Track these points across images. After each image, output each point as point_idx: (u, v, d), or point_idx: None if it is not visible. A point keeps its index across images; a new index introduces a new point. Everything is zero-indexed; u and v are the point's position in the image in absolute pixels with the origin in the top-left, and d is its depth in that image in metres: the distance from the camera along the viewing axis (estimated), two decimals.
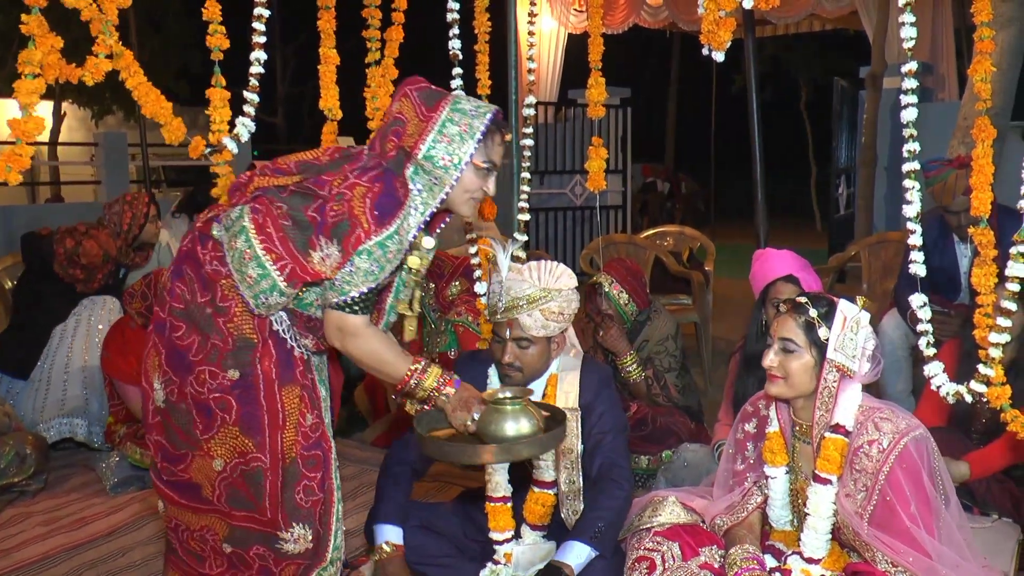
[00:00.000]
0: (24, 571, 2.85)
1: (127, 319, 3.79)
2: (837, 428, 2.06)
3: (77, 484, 3.62)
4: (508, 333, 2.38)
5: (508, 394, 2.05)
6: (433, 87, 2.08)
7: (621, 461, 2.42)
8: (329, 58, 3.44)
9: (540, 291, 2.34)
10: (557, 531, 2.52)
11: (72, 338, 4.01)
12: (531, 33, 3.73)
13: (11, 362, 4.01)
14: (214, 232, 2.01)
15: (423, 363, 2.06)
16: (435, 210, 2.04)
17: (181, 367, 1.98)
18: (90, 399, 3.94)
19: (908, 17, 2.49)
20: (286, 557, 2.03)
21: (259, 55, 3.02)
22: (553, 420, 2.10)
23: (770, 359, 2.11)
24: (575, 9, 9.60)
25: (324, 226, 1.89)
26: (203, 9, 2.92)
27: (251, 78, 3.02)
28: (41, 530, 3.15)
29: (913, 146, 2.54)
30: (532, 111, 3.69)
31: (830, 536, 2.11)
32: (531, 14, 3.75)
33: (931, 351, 2.58)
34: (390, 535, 2.40)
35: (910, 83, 2.52)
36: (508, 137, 2.17)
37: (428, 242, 2.11)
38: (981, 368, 2.42)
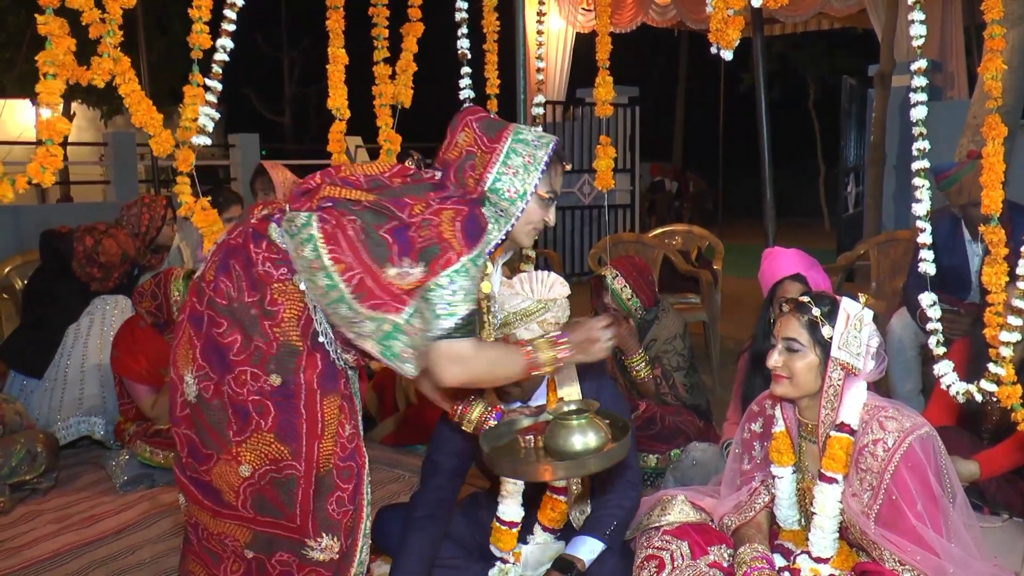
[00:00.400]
0: (34, 568, 2.87)
1: (137, 318, 3.80)
2: (842, 427, 2.05)
3: (87, 482, 3.63)
4: None
5: (573, 406, 2.01)
6: (492, 116, 2.05)
7: (631, 461, 2.42)
8: (338, 57, 3.45)
9: (535, 304, 2.32)
10: (566, 531, 2.52)
11: (87, 337, 4.03)
12: (540, 32, 3.73)
13: (24, 361, 4.03)
14: (271, 233, 1.94)
15: (528, 344, 2.02)
16: (499, 242, 2.00)
17: (219, 364, 1.91)
18: (107, 397, 3.96)
19: (917, 15, 2.49)
20: (310, 564, 1.99)
21: (225, 43, 2.94)
22: (618, 430, 2.04)
23: (775, 359, 2.10)
24: (583, 8, 9.60)
25: (410, 249, 1.83)
26: (190, 9, 2.90)
27: (214, 65, 2.95)
28: (51, 528, 3.17)
29: (923, 144, 2.54)
30: (541, 110, 3.69)
31: (838, 535, 2.11)
32: (539, 13, 3.75)
33: (941, 350, 2.58)
34: None
35: (920, 81, 2.52)
36: (568, 167, 2.14)
37: (493, 272, 2.12)
38: (991, 367, 2.41)
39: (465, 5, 3.44)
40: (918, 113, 2.53)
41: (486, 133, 1.97)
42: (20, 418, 3.58)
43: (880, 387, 3.70)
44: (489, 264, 2.10)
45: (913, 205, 2.56)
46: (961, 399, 2.52)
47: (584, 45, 9.45)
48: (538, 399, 2.41)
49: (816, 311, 2.07)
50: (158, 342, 3.74)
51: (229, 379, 1.90)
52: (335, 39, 3.44)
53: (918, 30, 2.49)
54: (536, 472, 2.02)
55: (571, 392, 2.45)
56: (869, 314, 2.07)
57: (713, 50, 2.97)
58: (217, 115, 2.99)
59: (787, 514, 2.24)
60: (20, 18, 10.49)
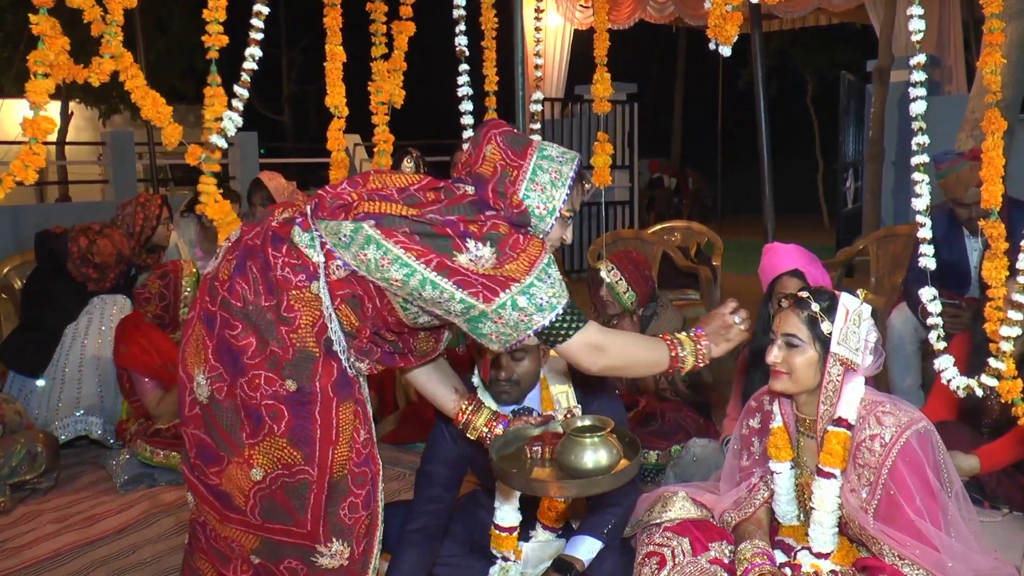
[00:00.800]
0: (35, 568, 2.87)
1: (139, 314, 3.81)
2: (840, 421, 2.05)
3: (88, 482, 3.64)
4: None
5: (587, 422, 1.99)
6: (515, 131, 2.02)
7: None
8: (336, 55, 3.44)
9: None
10: (566, 529, 2.52)
11: (85, 336, 4.03)
12: (537, 29, 3.73)
13: (23, 361, 4.02)
14: (294, 237, 1.90)
15: (671, 338, 2.00)
16: None
17: (233, 367, 1.88)
18: (104, 397, 3.96)
19: (916, 9, 2.48)
20: (320, 571, 1.97)
21: (254, 51, 2.96)
22: (630, 450, 2.02)
23: (774, 355, 2.10)
24: (581, 5, 9.60)
25: (472, 235, 1.81)
26: (204, 10, 2.89)
27: (243, 73, 2.97)
28: (52, 527, 3.17)
29: (922, 139, 2.53)
30: (539, 107, 3.69)
31: (837, 530, 2.11)
32: (537, 10, 3.75)
33: (941, 345, 2.57)
34: None
35: (918, 76, 2.51)
36: (588, 186, 2.13)
37: None
38: (992, 362, 2.41)
39: (463, 2, 3.43)
40: (917, 108, 2.52)
41: (511, 147, 1.94)
42: (20, 418, 3.58)
43: (880, 382, 3.70)
44: None
45: (912, 200, 2.56)
46: (961, 394, 2.52)
47: (582, 42, 9.45)
48: (531, 400, 2.41)
49: (815, 306, 2.07)
50: (165, 338, 3.76)
51: (242, 382, 1.87)
52: (333, 37, 3.44)
53: (917, 25, 2.49)
54: (545, 489, 2.00)
55: (562, 390, 2.44)
56: (868, 309, 2.07)
57: (711, 46, 2.97)
58: (241, 121, 2.99)
59: (786, 510, 2.24)
60: (18, 17, 10.49)
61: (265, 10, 2.99)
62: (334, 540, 1.96)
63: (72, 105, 13.41)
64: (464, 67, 3.49)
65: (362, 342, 1.95)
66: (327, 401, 1.90)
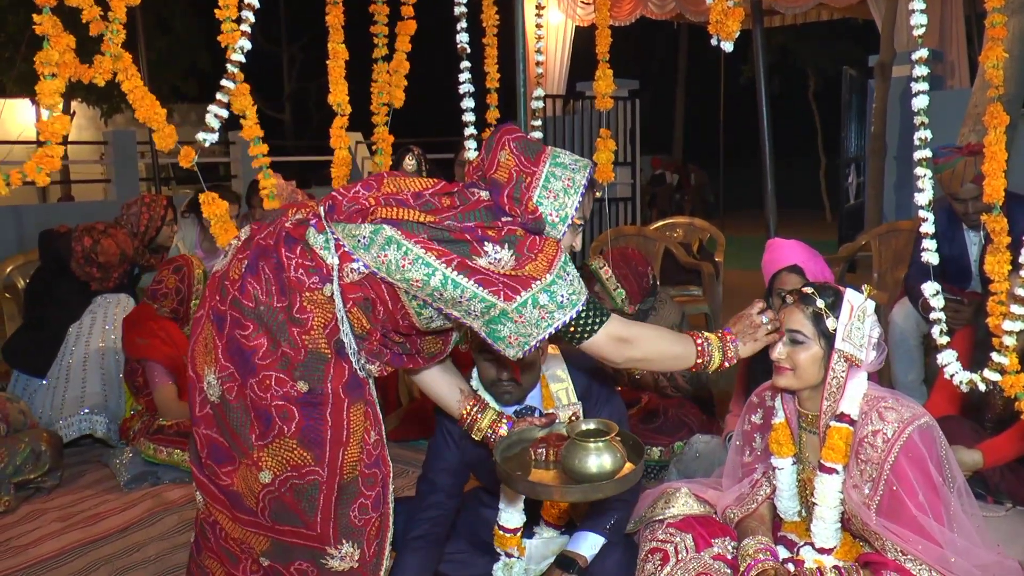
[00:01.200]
0: (40, 567, 2.88)
1: (149, 307, 3.81)
2: (842, 417, 2.05)
3: (91, 480, 3.64)
4: None
5: (592, 425, 2.00)
6: (528, 136, 2.03)
7: None
8: (338, 53, 3.44)
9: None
10: (569, 525, 2.52)
11: (89, 335, 4.03)
12: (539, 26, 3.72)
13: (26, 360, 4.04)
14: (309, 238, 1.89)
15: (699, 337, 2.01)
16: None
17: (244, 367, 1.88)
18: (108, 395, 3.97)
19: (918, 4, 2.48)
20: (330, 573, 1.97)
21: (243, 43, 2.92)
22: (634, 453, 2.02)
23: (778, 351, 2.10)
24: (582, 2, 9.59)
25: (490, 239, 1.82)
26: (216, 10, 2.88)
27: (229, 65, 2.95)
28: (56, 526, 3.18)
29: (924, 133, 2.53)
30: (540, 104, 3.68)
31: (839, 526, 2.11)
32: (539, 7, 3.74)
33: (944, 339, 2.57)
34: None
35: (920, 70, 2.51)
36: (599, 194, 2.13)
37: None
38: (995, 356, 2.41)
39: None
40: (919, 103, 2.52)
41: (524, 153, 1.94)
42: (24, 417, 3.59)
43: (882, 378, 3.70)
44: None
45: (915, 195, 2.56)
46: (964, 388, 2.52)
47: (583, 38, 9.45)
48: (531, 399, 2.41)
49: (820, 303, 2.06)
50: (179, 331, 3.78)
51: (252, 382, 1.87)
52: (335, 35, 3.44)
53: (918, 19, 2.48)
54: (549, 493, 2.01)
55: (561, 388, 2.44)
56: (871, 305, 2.07)
57: (713, 42, 2.96)
58: (226, 114, 2.96)
59: (788, 505, 2.24)
60: (20, 17, 10.49)
61: (255, 2, 2.96)
62: (344, 542, 1.96)
63: (74, 104, 13.43)
64: (465, 64, 3.49)
65: (372, 344, 1.95)
66: (338, 402, 1.90)
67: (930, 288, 2.57)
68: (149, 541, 3.05)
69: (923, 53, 2.50)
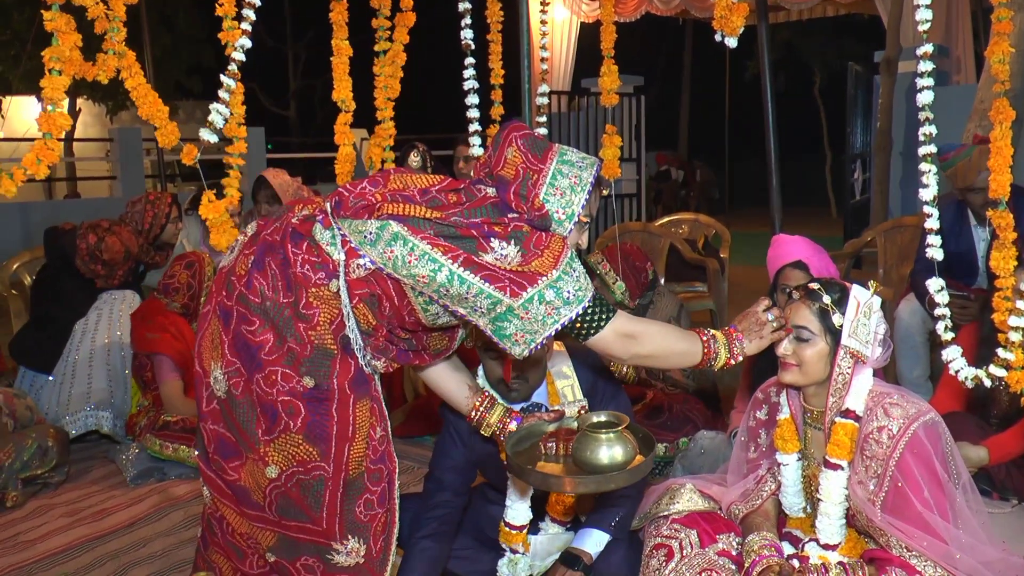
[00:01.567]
0: (47, 561, 2.89)
1: (158, 302, 3.82)
2: (847, 413, 2.05)
3: (98, 476, 3.66)
4: None
5: (603, 418, 1.99)
6: (535, 133, 2.02)
7: None
8: (342, 49, 3.44)
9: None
10: (575, 521, 2.52)
11: (94, 332, 4.05)
12: (543, 22, 3.72)
13: (33, 357, 4.05)
14: (316, 234, 1.90)
15: (705, 334, 2.01)
16: None
17: (250, 362, 1.88)
18: (114, 391, 3.98)
19: None
20: (336, 570, 1.97)
21: (244, 42, 2.92)
22: (644, 446, 2.01)
23: (784, 347, 2.09)
24: None
25: (496, 235, 1.82)
26: (217, 7, 2.89)
27: (231, 63, 2.94)
28: (63, 521, 3.19)
29: (929, 129, 2.52)
30: (545, 100, 3.68)
31: (844, 522, 2.11)
32: (543, 3, 3.74)
33: (949, 335, 2.57)
34: None
35: (926, 66, 2.50)
36: (605, 192, 2.12)
37: None
38: (1000, 352, 2.40)
39: None
40: (924, 98, 2.51)
41: (532, 150, 1.94)
42: (31, 413, 3.60)
43: (888, 374, 3.70)
44: None
45: (920, 190, 2.55)
46: (970, 384, 2.51)
47: (588, 35, 9.43)
48: (537, 396, 2.41)
49: (827, 299, 2.06)
50: (188, 326, 3.79)
51: (258, 378, 1.87)
52: (339, 31, 3.44)
53: (924, 15, 2.48)
54: (560, 485, 2.01)
55: (567, 384, 2.44)
56: (878, 301, 2.06)
57: (718, 38, 2.96)
58: (228, 112, 2.97)
59: (792, 501, 2.23)
60: (25, 15, 10.51)
61: (257, 1, 2.96)
62: (350, 538, 1.96)
63: (80, 101, 13.45)
64: (470, 61, 3.49)
65: (378, 341, 1.95)
66: (344, 398, 1.90)
67: (935, 284, 2.56)
68: (155, 536, 3.06)
69: (928, 48, 2.49)
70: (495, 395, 2.33)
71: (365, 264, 1.86)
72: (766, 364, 2.98)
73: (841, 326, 2.04)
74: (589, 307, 1.85)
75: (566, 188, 1.91)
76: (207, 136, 2.90)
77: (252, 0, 2.96)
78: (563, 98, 9.67)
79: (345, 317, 1.89)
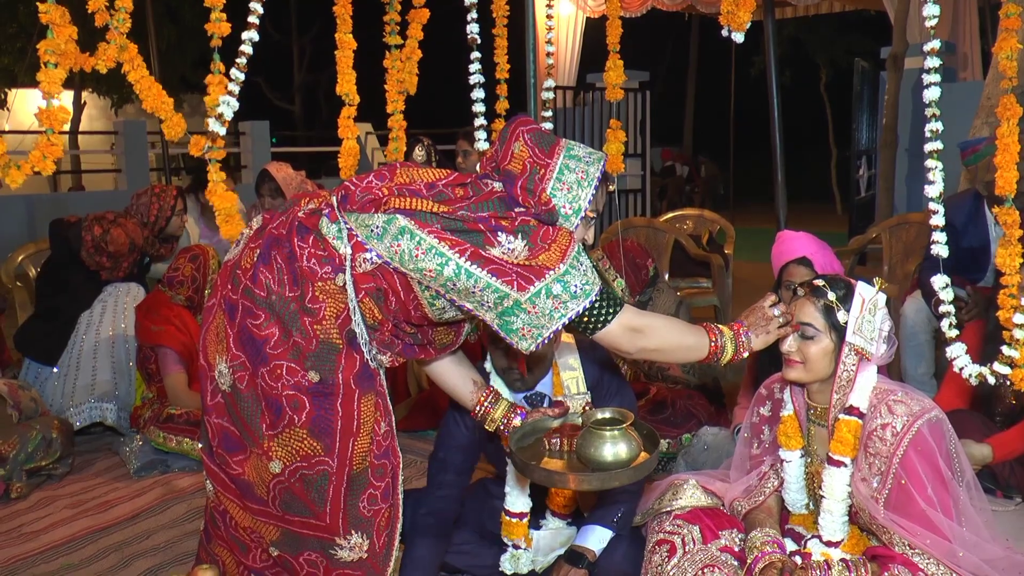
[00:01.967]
0: (50, 553, 2.90)
1: (163, 295, 3.83)
2: (851, 410, 2.04)
3: (102, 468, 3.67)
4: None
5: (607, 414, 1.99)
6: (542, 128, 2.01)
7: None
8: (346, 43, 3.44)
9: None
10: (576, 516, 2.52)
11: (99, 324, 4.05)
12: (549, 17, 3.72)
13: (38, 348, 4.05)
14: (322, 227, 1.89)
15: (712, 329, 2.00)
16: None
17: (255, 356, 1.88)
18: (119, 383, 3.99)
19: None
20: (339, 565, 1.97)
21: (251, 35, 2.90)
22: (649, 442, 2.02)
23: (788, 344, 2.09)
24: None
25: (503, 229, 1.82)
26: None
27: (241, 56, 2.92)
28: (67, 513, 3.20)
29: (936, 125, 2.51)
30: (551, 95, 3.67)
31: (847, 519, 2.10)
32: None
33: (953, 333, 2.56)
34: None
35: (933, 62, 2.49)
36: (612, 187, 2.12)
37: None
38: (1005, 350, 2.40)
39: None
40: (931, 94, 2.50)
41: (539, 145, 1.93)
42: (35, 405, 3.62)
43: (892, 371, 3.69)
44: None
45: (926, 187, 2.54)
46: (974, 382, 2.51)
47: (594, 29, 9.41)
48: (542, 386, 2.41)
49: (832, 295, 2.05)
50: (193, 319, 3.80)
51: (263, 372, 1.87)
52: (343, 25, 3.44)
53: (931, 10, 2.46)
54: (565, 481, 2.00)
55: (572, 376, 2.44)
56: (883, 298, 2.05)
57: (724, 33, 2.95)
58: (236, 104, 2.96)
59: (795, 498, 2.23)
60: (31, 7, 10.51)
61: None
62: (353, 532, 1.96)
63: (85, 94, 13.45)
64: (475, 55, 3.48)
65: (384, 335, 1.95)
66: (349, 393, 1.90)
67: (939, 281, 2.56)
68: (159, 529, 3.07)
69: (935, 44, 2.48)
70: (499, 384, 2.33)
71: (371, 258, 1.86)
72: (769, 360, 2.99)
73: (846, 323, 2.03)
74: (596, 301, 1.84)
75: (573, 183, 1.91)
76: (216, 127, 2.90)
77: None
78: (568, 93, 9.65)
79: (351, 311, 1.88)
